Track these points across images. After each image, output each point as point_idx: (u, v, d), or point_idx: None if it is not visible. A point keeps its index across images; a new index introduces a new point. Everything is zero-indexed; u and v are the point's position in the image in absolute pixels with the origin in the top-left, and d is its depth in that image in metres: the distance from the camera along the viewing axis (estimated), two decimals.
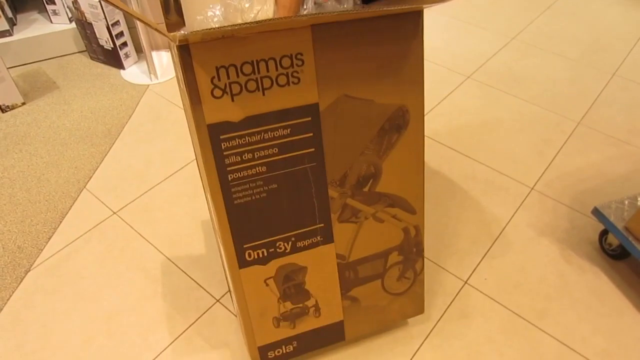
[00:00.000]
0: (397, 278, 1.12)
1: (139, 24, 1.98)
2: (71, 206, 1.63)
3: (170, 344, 1.25)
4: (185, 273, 1.41)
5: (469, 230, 1.55)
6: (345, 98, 0.89)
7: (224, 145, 0.85)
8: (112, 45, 2.12)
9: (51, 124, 1.94)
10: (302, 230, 0.97)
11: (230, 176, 0.88)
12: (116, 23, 2.08)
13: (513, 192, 1.68)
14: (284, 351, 1.09)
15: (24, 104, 2.02)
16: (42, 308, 1.33)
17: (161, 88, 2.12)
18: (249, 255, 0.96)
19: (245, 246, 0.95)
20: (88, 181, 1.71)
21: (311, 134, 0.90)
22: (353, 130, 0.92)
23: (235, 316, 1.30)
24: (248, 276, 0.98)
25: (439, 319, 1.31)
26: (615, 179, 1.75)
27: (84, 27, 2.13)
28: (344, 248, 1.02)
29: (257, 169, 0.89)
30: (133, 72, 2.19)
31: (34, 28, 2.22)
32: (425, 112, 2.02)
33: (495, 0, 2.90)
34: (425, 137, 1.90)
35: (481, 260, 1.46)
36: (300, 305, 1.05)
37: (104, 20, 2.03)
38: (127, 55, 2.18)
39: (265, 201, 0.92)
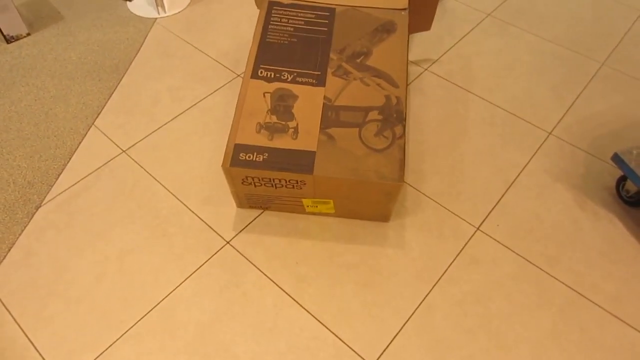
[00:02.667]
0: (374, 133, 1.25)
1: None
2: (80, 143, 1.61)
3: (180, 284, 1.27)
4: (195, 214, 1.41)
5: (484, 176, 1.52)
6: (353, 8, 1.51)
7: (274, 11, 1.50)
8: None
9: (57, 56, 1.89)
10: (303, 71, 1.36)
11: (270, 27, 1.46)
12: None
13: (530, 137, 1.63)
14: (254, 158, 1.22)
15: (28, 34, 1.96)
16: (54, 244, 1.34)
17: (169, 22, 2.04)
18: (261, 72, 1.37)
19: (261, 65, 1.38)
20: (96, 117, 1.69)
21: (327, 21, 1.47)
22: (355, 26, 1.47)
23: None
24: (254, 85, 1.34)
25: (450, 264, 1.31)
26: (637, 123, 1.69)
27: None
28: (332, 93, 1.32)
29: (287, 28, 1.46)
30: (140, 4, 2.10)
31: None
32: (442, 52, 1.93)
33: None
34: (441, 79, 1.83)
35: (494, 207, 1.44)
36: (283, 122, 1.27)
37: None
38: None
39: (285, 46, 1.42)
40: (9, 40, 1.92)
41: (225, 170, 1.23)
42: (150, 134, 1.63)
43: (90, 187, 1.47)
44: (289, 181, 1.24)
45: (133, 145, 1.60)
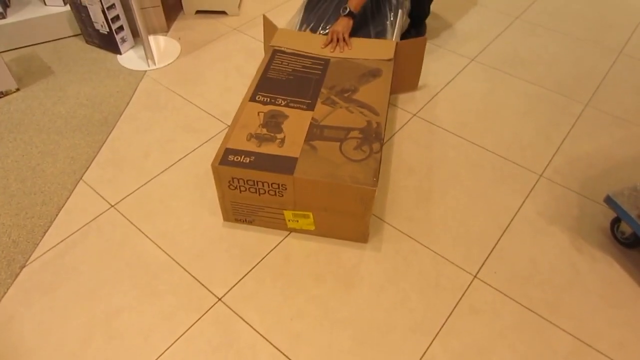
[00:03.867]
0: (354, 147, 1.37)
1: (135, 7, 1.90)
2: (67, 198, 1.58)
3: (172, 344, 1.21)
4: (186, 270, 1.37)
5: (477, 222, 1.51)
6: (345, 59, 1.72)
7: (277, 56, 1.71)
8: (107, 30, 2.05)
9: (46, 111, 1.88)
10: (296, 99, 1.52)
11: (272, 67, 1.66)
12: (112, 6, 2.00)
13: (521, 180, 1.64)
14: (242, 160, 1.33)
15: (18, 89, 1.96)
16: (39, 306, 1.29)
17: (159, 74, 2.05)
18: (258, 97, 1.53)
19: (259, 92, 1.55)
20: (85, 172, 1.66)
21: (322, 67, 1.67)
22: (346, 71, 1.66)
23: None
24: (251, 106, 1.50)
25: (449, 316, 1.28)
26: (626, 163, 1.70)
27: (79, 10, 2.06)
28: (319, 116, 1.47)
29: (287, 69, 1.66)
30: (130, 57, 2.12)
31: (28, 10, 2.15)
32: (429, 98, 1.96)
33: None
34: (430, 124, 1.84)
35: (490, 253, 1.42)
36: (272, 134, 1.41)
37: (99, 3, 1.95)
38: (123, 40, 2.11)
39: (283, 80, 1.60)
40: None
41: (214, 169, 1.33)
42: (140, 187, 1.61)
43: (77, 245, 1.44)
44: (271, 185, 1.33)
45: (122, 200, 1.57)
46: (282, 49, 1.74)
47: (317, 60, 1.69)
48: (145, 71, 2.06)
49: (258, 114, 1.47)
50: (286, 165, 1.31)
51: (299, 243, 1.44)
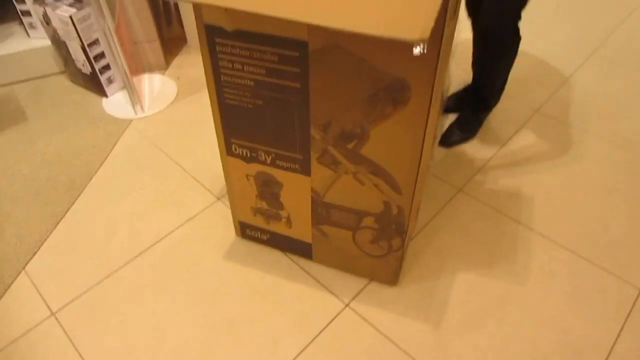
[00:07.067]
0: (370, 240, 1.12)
1: (116, 43, 1.52)
2: (1, 298, 1.21)
3: None
4: None
5: None
6: (337, 48, 0.85)
7: (218, 48, 0.94)
8: (90, 69, 1.69)
9: (6, 169, 1.54)
10: (282, 152, 1.04)
11: (223, 77, 0.98)
12: (95, 42, 1.64)
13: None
14: (259, 237, 1.25)
15: None
16: None
17: (146, 124, 1.67)
18: (235, 148, 1.09)
19: (232, 140, 1.08)
20: (31, 259, 1.30)
21: (298, 70, 0.91)
22: (342, 83, 0.89)
23: None
24: (234, 164, 1.13)
25: None
26: None
27: (59, 45, 1.71)
28: (320, 186, 1.06)
29: (245, 81, 0.96)
30: (117, 101, 1.75)
31: (8, 44, 1.83)
32: (487, 157, 1.45)
33: None
34: (483, 204, 1.34)
35: None
36: (275, 210, 1.16)
37: (78, 39, 1.60)
38: (110, 81, 1.74)
39: (252, 111, 1.01)
40: None
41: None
42: (92, 287, 1.22)
43: None
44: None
45: (67, 305, 1.19)
46: (220, 25, 0.92)
47: (286, 51, 0.89)
48: (131, 120, 1.68)
49: (247, 178, 1.15)
50: (303, 249, 1.23)
51: None
